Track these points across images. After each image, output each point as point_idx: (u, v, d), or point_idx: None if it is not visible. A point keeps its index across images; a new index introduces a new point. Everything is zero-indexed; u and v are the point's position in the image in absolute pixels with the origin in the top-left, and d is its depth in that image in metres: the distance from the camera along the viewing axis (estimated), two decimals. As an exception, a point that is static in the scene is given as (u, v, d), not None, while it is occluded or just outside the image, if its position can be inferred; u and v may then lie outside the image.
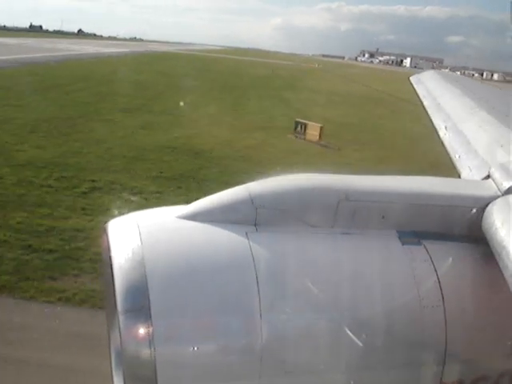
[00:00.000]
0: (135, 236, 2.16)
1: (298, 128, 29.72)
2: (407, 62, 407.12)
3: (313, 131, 28.85)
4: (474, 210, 2.51)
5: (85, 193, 16.61)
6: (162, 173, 19.72)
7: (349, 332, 2.16)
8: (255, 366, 2.09)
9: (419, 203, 2.51)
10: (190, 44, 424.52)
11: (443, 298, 2.29)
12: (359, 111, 45.69)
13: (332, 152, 27.44)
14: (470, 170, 3.85)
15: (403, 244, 2.41)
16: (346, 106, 48.66)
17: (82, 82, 47.74)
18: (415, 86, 10.44)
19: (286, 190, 2.42)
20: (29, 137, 23.83)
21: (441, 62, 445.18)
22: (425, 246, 2.41)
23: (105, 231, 2.28)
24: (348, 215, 2.39)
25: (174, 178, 19.29)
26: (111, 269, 2.08)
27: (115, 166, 20.15)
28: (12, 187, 16.51)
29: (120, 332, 1.98)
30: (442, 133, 5.64)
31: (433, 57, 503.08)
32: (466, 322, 2.31)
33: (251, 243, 2.21)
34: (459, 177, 3.90)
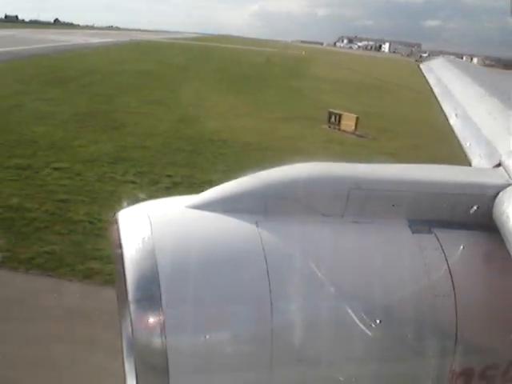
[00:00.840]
0: (145, 226, 2.17)
1: (332, 118, 30.23)
2: (386, 47, 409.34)
3: (348, 121, 29.38)
4: (485, 198, 2.49)
5: (169, 188, 16.90)
6: (228, 166, 20.07)
7: (360, 320, 2.17)
8: (266, 355, 2.11)
9: (430, 191, 2.49)
10: (168, 32, 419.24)
11: (454, 286, 2.29)
12: (372, 100, 46.24)
13: (371, 142, 28.09)
14: (480, 158, 3.76)
15: (413, 232, 2.40)
16: (356, 94, 49.25)
17: (93, 74, 47.38)
18: (425, 73, 10.24)
19: (295, 179, 2.40)
20: (80, 132, 23.89)
21: (419, 46, 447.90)
22: (435, 235, 2.41)
23: (115, 221, 2.28)
24: (358, 204, 2.39)
25: (241, 171, 19.62)
26: (122, 259, 2.09)
27: (180, 160, 20.45)
28: (98, 184, 16.75)
29: (131, 321, 2.00)
30: (452, 120, 5.53)
31: (411, 41, 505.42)
32: (476, 311, 2.32)
33: (261, 232, 2.22)
34: (470, 165, 3.81)
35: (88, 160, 19.33)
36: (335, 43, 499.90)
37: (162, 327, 1.98)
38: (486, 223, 2.46)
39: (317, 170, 2.49)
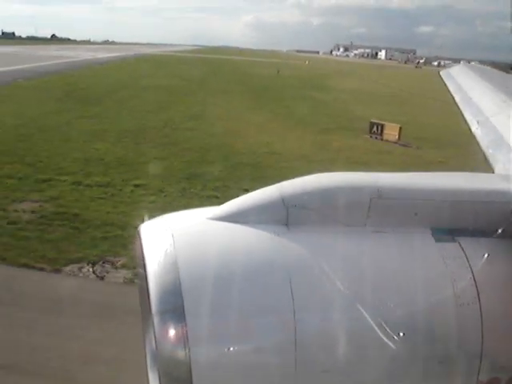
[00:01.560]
0: (168, 238, 2.18)
1: (374, 128, 30.75)
2: (382, 54, 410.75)
3: (391, 131, 29.90)
4: (509, 206, 2.47)
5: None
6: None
7: (384, 331, 2.16)
8: (290, 366, 2.10)
9: (453, 199, 2.48)
10: (166, 45, 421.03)
11: (479, 295, 2.26)
12: (397, 109, 46.77)
13: (417, 151, 28.59)
14: (503, 165, 3.75)
15: (437, 241, 2.39)
16: (381, 104, 49.86)
17: (121, 90, 48.20)
18: (446, 80, 10.15)
19: (317, 189, 2.39)
20: (139, 148, 24.44)
21: (414, 52, 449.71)
22: (459, 243, 2.39)
23: (137, 234, 2.30)
24: (380, 213, 2.37)
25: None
26: (145, 271, 2.11)
27: (249, 174, 20.84)
28: (184, 200, 17.17)
29: (155, 333, 2.01)
30: (474, 127, 5.46)
31: (405, 48, 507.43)
32: (502, 319, 2.29)
33: (283, 243, 2.22)
34: (493, 172, 3.79)
35: (162, 176, 19.74)
36: (331, 51, 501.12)
37: (186, 339, 1.98)
38: (509, 230, 2.44)
39: (338, 180, 2.49)
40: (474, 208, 2.47)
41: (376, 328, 2.16)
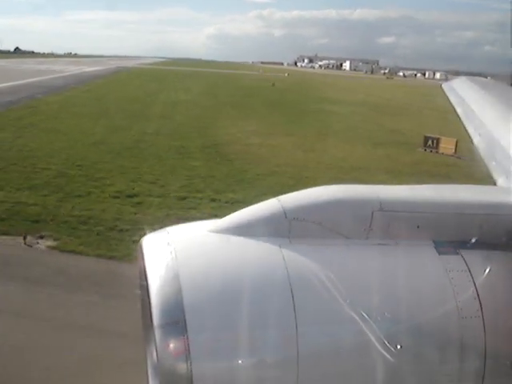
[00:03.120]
0: (169, 251, 2.18)
1: (429, 142, 32.55)
2: (347, 65, 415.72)
3: (447, 145, 31.64)
4: (511, 218, 2.48)
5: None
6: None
7: (387, 343, 2.15)
8: (292, 380, 2.09)
9: (455, 212, 2.49)
10: (131, 57, 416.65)
11: (482, 307, 2.26)
12: (422, 122, 48.03)
13: (476, 164, 30.25)
14: (506, 177, 3.77)
15: (440, 254, 2.38)
16: (402, 117, 51.67)
17: (153, 105, 48.70)
18: (447, 93, 10.26)
19: (319, 202, 2.41)
20: (224, 164, 25.54)
21: (377, 63, 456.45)
22: (462, 256, 2.39)
23: (139, 247, 2.31)
24: (383, 226, 2.38)
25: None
26: (147, 284, 2.11)
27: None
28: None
29: (156, 346, 2.00)
30: (476, 140, 5.56)
31: (369, 58, 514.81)
32: (505, 331, 2.29)
33: (285, 255, 2.21)
34: (495, 184, 3.85)
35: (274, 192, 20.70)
36: (295, 63, 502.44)
37: (187, 352, 1.97)
38: None
39: (340, 193, 2.51)
40: (476, 221, 2.48)
41: (379, 341, 2.15)
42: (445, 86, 11.85)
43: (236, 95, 66.01)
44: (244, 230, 2.32)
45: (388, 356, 2.15)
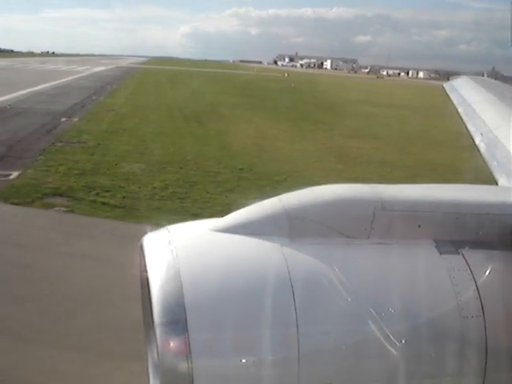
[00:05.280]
0: (170, 249, 2.20)
1: None
2: (327, 64, 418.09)
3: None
4: None
5: None
6: None
7: (388, 343, 2.16)
8: (293, 379, 2.10)
9: (456, 211, 2.49)
10: (109, 56, 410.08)
11: (483, 307, 2.27)
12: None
13: None
14: (507, 177, 3.79)
15: (441, 253, 2.39)
16: (447, 120, 52.10)
17: (216, 108, 47.90)
18: (449, 92, 10.33)
19: (320, 201, 2.42)
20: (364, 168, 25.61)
21: (355, 62, 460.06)
22: (463, 255, 2.40)
23: (140, 246, 2.33)
24: (384, 225, 2.39)
25: None
26: (148, 283, 2.13)
27: None
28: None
29: (157, 345, 2.02)
30: (477, 140, 5.52)
31: (347, 57, 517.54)
32: (506, 332, 2.29)
33: (286, 255, 2.23)
34: (496, 184, 3.86)
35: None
36: (275, 61, 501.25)
37: (188, 351, 1.98)
38: None
39: (341, 192, 2.51)
40: (477, 220, 2.49)
41: (379, 341, 2.16)
42: (446, 85, 11.94)
43: (277, 98, 63.36)
44: (245, 228, 2.34)
45: (389, 355, 2.18)
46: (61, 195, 16.66)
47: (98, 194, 16.97)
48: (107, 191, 17.33)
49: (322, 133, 36.94)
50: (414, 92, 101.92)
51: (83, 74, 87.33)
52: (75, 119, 33.60)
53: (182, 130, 33.04)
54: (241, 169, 22.05)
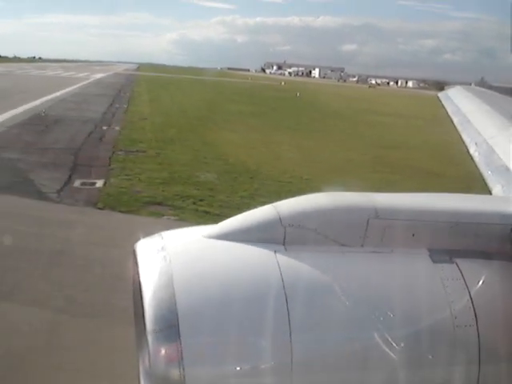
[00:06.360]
0: (163, 256, 2.19)
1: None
2: (316, 72, 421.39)
3: None
4: (507, 228, 2.48)
5: None
6: None
7: (380, 352, 2.15)
8: None
9: (451, 221, 2.48)
10: (95, 62, 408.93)
11: (476, 317, 2.25)
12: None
13: None
14: (501, 187, 3.81)
15: (434, 262, 2.38)
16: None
17: (241, 116, 48.52)
18: (443, 102, 10.34)
19: (314, 209, 2.42)
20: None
21: (342, 70, 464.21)
22: (457, 265, 2.38)
23: (133, 252, 2.32)
24: (378, 233, 2.38)
25: None
26: (140, 289, 2.12)
27: None
28: None
29: (149, 352, 2.00)
30: (472, 149, 5.56)
31: (334, 66, 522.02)
32: (499, 342, 2.27)
33: (280, 263, 2.22)
34: (490, 193, 3.88)
35: None
36: (263, 69, 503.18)
37: (180, 358, 1.99)
38: (507, 253, 2.45)
39: (335, 200, 2.51)
40: (472, 229, 2.49)
41: (373, 349, 2.16)
42: (441, 95, 11.93)
43: (291, 107, 64.99)
44: (239, 235, 2.34)
45: (382, 364, 2.19)
46: (160, 204, 17.12)
47: (194, 203, 17.47)
48: (201, 200, 17.84)
49: (356, 142, 37.66)
50: (414, 102, 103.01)
51: (89, 81, 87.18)
52: (117, 127, 33.97)
53: (224, 138, 33.49)
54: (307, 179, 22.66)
